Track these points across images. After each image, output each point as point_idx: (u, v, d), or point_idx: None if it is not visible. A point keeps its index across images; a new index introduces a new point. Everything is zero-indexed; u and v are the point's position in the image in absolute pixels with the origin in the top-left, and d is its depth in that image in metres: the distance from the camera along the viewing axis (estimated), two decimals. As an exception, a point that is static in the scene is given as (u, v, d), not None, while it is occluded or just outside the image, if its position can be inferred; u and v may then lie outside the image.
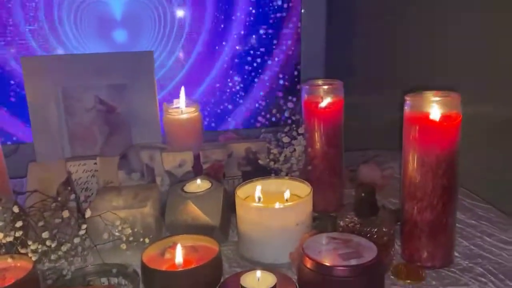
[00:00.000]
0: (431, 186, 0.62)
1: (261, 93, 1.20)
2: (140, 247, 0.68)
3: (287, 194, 0.72)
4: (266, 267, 0.57)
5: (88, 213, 0.66)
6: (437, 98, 0.61)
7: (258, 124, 1.22)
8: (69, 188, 0.83)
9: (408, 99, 0.63)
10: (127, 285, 0.63)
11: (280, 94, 1.22)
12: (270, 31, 1.16)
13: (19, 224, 0.62)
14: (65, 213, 0.65)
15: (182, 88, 0.92)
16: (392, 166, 1.00)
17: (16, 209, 0.64)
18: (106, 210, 0.70)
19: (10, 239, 0.61)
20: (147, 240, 0.66)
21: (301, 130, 0.83)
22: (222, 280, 0.61)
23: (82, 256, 0.67)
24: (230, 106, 1.19)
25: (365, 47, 1.25)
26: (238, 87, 1.19)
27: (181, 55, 1.11)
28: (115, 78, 0.91)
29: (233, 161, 0.87)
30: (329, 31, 1.31)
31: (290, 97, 0.85)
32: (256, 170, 0.86)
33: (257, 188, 0.71)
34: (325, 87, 0.81)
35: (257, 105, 1.21)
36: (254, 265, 0.67)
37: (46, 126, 0.90)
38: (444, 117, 0.60)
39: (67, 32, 1.01)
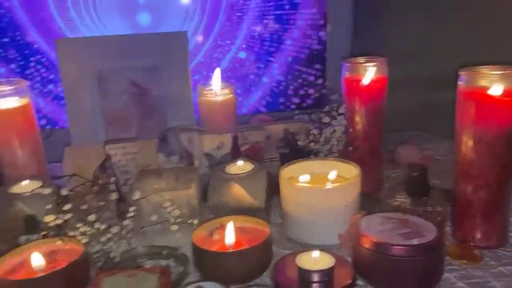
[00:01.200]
0: (488, 164, 0.60)
1: (288, 76, 1.18)
2: (184, 230, 0.67)
3: (332, 175, 0.70)
4: (323, 249, 0.56)
5: (137, 195, 0.65)
6: (497, 72, 0.58)
7: (281, 106, 1.21)
8: (107, 171, 0.82)
9: (464, 74, 0.61)
10: (176, 267, 0.63)
11: (307, 76, 1.20)
12: (294, 11, 1.13)
13: (67, 207, 0.62)
14: (114, 195, 0.64)
15: (217, 70, 0.91)
16: (431, 148, 0.98)
17: (64, 192, 0.64)
18: (149, 192, 0.69)
19: (59, 221, 0.61)
20: (195, 222, 0.65)
21: (341, 110, 0.81)
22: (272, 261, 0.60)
23: (127, 239, 0.66)
24: (253, 89, 1.17)
25: (396, 21, 1.21)
26: (262, 70, 1.17)
27: (200, 37, 1.08)
28: (148, 60, 0.89)
29: (270, 143, 0.85)
30: (358, 6, 1.27)
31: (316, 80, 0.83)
32: (294, 152, 0.84)
33: (304, 171, 0.70)
34: (368, 64, 0.78)
35: (281, 87, 1.19)
36: (302, 246, 0.66)
37: (81, 109, 0.89)
38: (504, 92, 0.58)
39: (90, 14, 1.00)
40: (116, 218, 0.70)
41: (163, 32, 0.96)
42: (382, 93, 0.80)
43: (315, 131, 0.81)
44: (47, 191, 0.64)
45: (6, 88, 0.75)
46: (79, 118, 0.89)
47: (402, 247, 0.52)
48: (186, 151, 0.83)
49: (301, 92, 1.20)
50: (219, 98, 0.89)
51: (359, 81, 0.78)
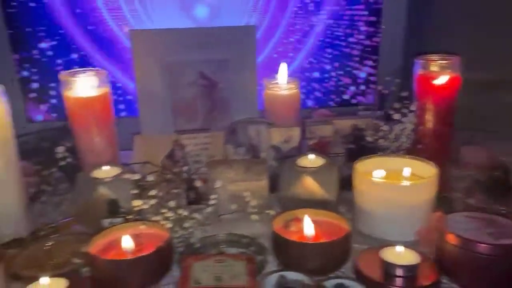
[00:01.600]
0: None
1: (337, 71, 1.18)
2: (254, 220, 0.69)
3: (406, 172, 0.70)
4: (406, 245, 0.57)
5: (218, 184, 0.67)
6: None
7: (331, 102, 1.20)
8: (175, 160, 0.84)
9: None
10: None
11: (358, 72, 1.19)
12: (348, 6, 1.12)
13: (153, 192, 0.64)
14: (198, 183, 0.66)
15: (283, 64, 0.91)
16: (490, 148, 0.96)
17: (150, 178, 0.66)
18: (222, 182, 0.71)
19: (146, 206, 0.63)
20: (272, 212, 0.67)
21: (412, 107, 0.80)
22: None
23: (205, 226, 0.68)
24: (303, 83, 1.17)
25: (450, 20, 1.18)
26: (313, 64, 1.17)
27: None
28: (217, 52, 0.91)
29: (337, 137, 0.85)
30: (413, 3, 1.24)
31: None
32: (361, 148, 0.85)
33: (377, 166, 0.70)
34: (442, 62, 0.77)
35: (332, 83, 1.18)
36: (376, 242, 0.67)
37: (152, 99, 0.91)
38: None
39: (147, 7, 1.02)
40: (187, 206, 0.72)
41: (232, 26, 0.98)
42: (455, 92, 0.79)
43: (385, 127, 0.81)
44: (136, 177, 0.66)
45: (88, 77, 0.78)
46: (149, 107, 0.92)
47: (493, 246, 0.51)
48: (251, 144, 0.85)
49: (352, 88, 1.20)
50: (285, 92, 0.91)
51: (433, 78, 0.78)
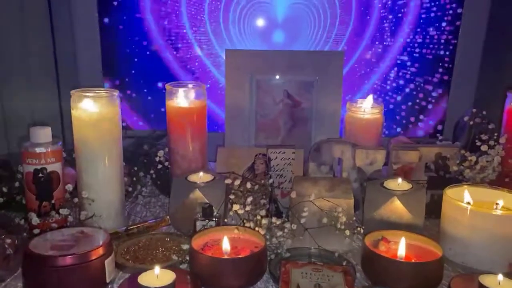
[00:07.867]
0: None
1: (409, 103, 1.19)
2: (342, 236, 0.70)
3: (500, 202, 0.70)
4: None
5: (312, 197, 0.70)
6: None
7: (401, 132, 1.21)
8: (256, 173, 0.88)
9: None
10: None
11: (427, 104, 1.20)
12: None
13: (250, 199, 0.68)
14: (293, 194, 0.69)
15: (370, 96, 0.94)
16: None
17: (248, 185, 0.70)
18: (308, 197, 0.73)
19: (241, 211, 0.67)
20: (361, 230, 0.68)
21: (502, 140, 0.80)
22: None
23: (290, 238, 0.70)
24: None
25: None
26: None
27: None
28: (305, 74, 0.95)
29: (420, 164, 0.86)
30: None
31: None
32: (444, 177, 0.85)
33: (466, 193, 0.71)
34: (537, 96, 0.78)
35: (402, 113, 1.19)
36: (464, 270, 0.67)
37: (238, 114, 0.96)
38: None
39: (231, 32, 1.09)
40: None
41: (321, 50, 1.02)
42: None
43: (473, 158, 0.81)
44: (237, 182, 0.70)
45: (189, 89, 0.84)
46: (235, 121, 0.97)
47: None
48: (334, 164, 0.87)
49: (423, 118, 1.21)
50: (367, 116, 0.93)
51: (525, 112, 0.78)
